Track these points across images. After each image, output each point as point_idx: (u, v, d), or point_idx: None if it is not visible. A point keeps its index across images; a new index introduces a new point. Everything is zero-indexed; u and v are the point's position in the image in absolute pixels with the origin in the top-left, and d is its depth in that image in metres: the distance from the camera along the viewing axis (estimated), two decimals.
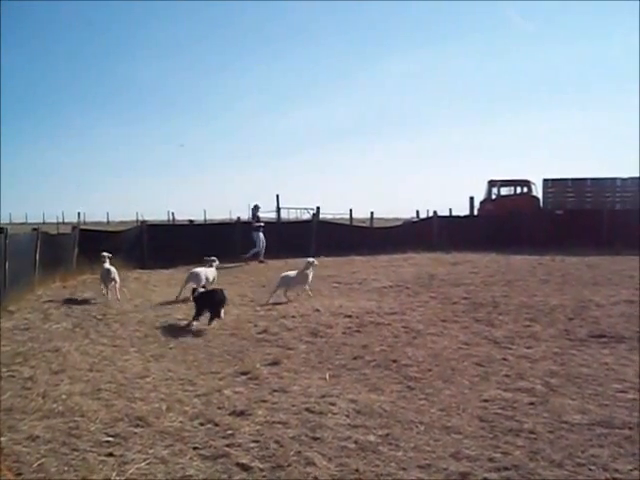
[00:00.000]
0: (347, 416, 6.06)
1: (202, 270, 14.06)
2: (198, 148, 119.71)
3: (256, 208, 23.63)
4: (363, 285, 15.63)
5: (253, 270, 19.84)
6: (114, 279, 13.89)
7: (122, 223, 45.90)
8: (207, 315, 10.49)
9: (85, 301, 13.40)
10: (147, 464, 4.97)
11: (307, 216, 40.80)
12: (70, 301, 13.34)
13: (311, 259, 14.28)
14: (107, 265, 14.26)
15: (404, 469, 4.84)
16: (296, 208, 50.94)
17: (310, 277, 13.75)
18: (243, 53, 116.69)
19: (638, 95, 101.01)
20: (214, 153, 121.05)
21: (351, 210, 35.73)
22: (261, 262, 22.44)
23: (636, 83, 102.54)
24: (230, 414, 6.13)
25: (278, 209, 37.80)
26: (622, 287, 14.23)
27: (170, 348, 9.13)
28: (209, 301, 10.68)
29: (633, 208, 28.08)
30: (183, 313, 11.70)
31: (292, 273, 13.64)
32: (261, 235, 22.94)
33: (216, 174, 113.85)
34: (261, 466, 4.91)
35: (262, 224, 23.32)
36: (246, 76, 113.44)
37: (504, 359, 8.25)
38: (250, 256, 22.50)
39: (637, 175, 29.34)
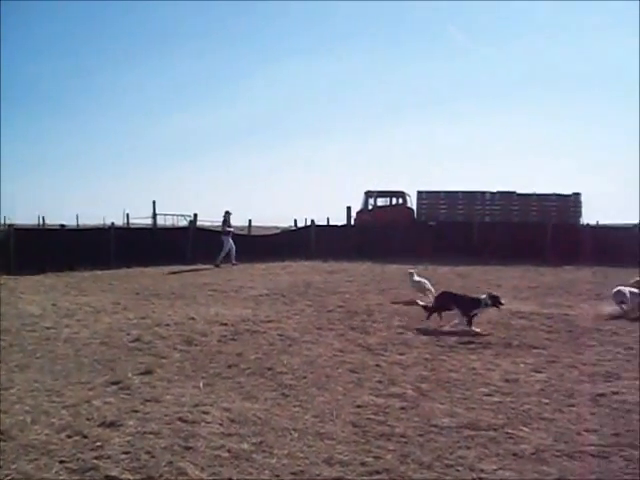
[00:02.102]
0: (221, 425, 6.00)
1: None
2: (71, 151, 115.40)
3: (227, 214, 24.22)
4: (239, 293, 15.58)
5: (127, 277, 19.34)
6: None
7: None
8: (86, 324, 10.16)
9: None
10: None
11: (184, 223, 40.28)
12: None
13: None
14: None
15: (277, 476, 4.83)
16: (173, 214, 50.25)
17: None
18: (116, 56, 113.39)
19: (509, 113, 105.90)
20: (88, 157, 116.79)
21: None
22: (234, 264, 23.31)
23: (503, 104, 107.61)
24: (99, 425, 5.93)
25: (154, 215, 37.09)
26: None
27: (37, 358, 8.73)
28: None
29: (501, 221, 29.52)
30: (52, 321, 11.27)
31: None
32: (230, 240, 23.74)
33: (90, 178, 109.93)
34: (131, 478, 4.77)
35: (232, 229, 24.33)
36: (121, 80, 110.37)
37: (377, 365, 8.41)
38: (220, 260, 23.24)
39: (506, 189, 30.84)
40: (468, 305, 10.92)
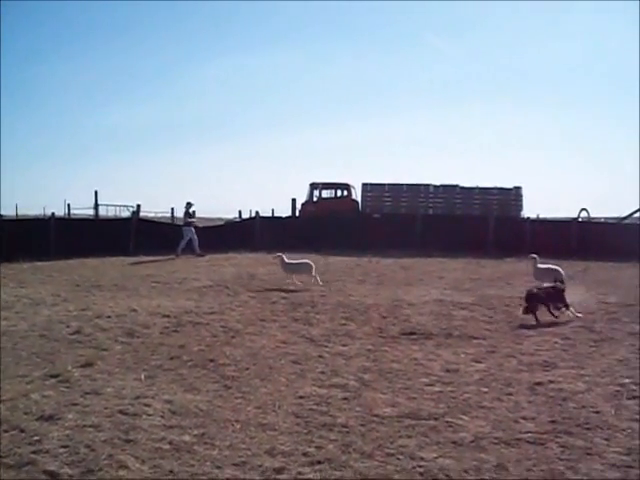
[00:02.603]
0: (162, 417, 5.96)
1: None
2: (10, 139, 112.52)
3: (189, 205, 24.34)
4: (182, 284, 15.45)
5: (67, 268, 18.97)
6: None
7: None
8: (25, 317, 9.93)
9: None
10: None
11: (127, 214, 39.74)
12: None
13: None
14: None
15: (219, 467, 4.83)
16: (115, 205, 49.55)
17: None
18: (59, 45, 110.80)
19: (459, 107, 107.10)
20: (28, 145, 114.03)
21: (173, 209, 35.27)
22: (200, 255, 23.24)
23: (444, 105, 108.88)
24: (38, 419, 5.83)
25: (96, 205, 36.45)
26: (432, 287, 15.08)
27: None
28: None
29: (444, 213, 29.89)
30: None
31: None
32: (193, 230, 23.92)
33: (30, 167, 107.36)
34: (70, 472, 4.72)
35: (194, 220, 24.54)
36: (62, 66, 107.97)
37: (320, 356, 8.47)
38: (180, 251, 23.20)
39: (448, 183, 31.23)
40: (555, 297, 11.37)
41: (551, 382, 7.25)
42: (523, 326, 10.57)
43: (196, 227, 24.50)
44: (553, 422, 5.92)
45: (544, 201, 78.41)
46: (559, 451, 5.24)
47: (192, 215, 24.54)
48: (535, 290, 11.59)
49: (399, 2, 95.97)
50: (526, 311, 11.13)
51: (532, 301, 11.19)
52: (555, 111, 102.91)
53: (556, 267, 14.98)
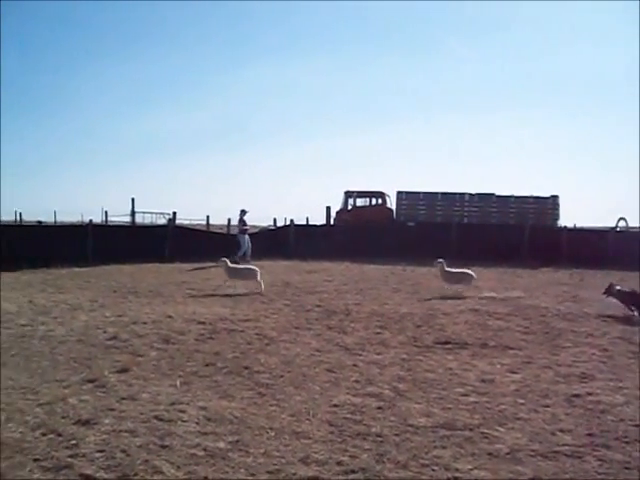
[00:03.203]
0: (197, 423, 5.99)
1: None
2: (49, 147, 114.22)
3: (243, 212, 24.55)
4: (217, 292, 15.53)
5: (104, 274, 19.20)
6: None
7: None
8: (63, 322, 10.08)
9: None
10: None
11: (163, 221, 40.12)
12: None
13: None
14: None
15: (253, 475, 4.84)
16: (152, 213, 50.02)
17: None
18: (97, 54, 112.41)
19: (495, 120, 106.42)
20: (66, 154, 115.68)
21: (208, 217, 35.54)
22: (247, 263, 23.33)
23: (480, 113, 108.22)
24: (75, 423, 5.90)
25: (133, 213, 36.87)
26: (467, 296, 14.95)
27: (12, 355, 8.65)
28: None
29: (480, 222, 29.69)
30: (28, 319, 11.18)
31: None
32: (246, 237, 24.23)
33: (68, 175, 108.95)
34: (106, 476, 4.76)
35: (247, 227, 24.86)
36: (99, 75, 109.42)
37: (354, 365, 8.44)
38: (239, 258, 23.15)
39: (484, 191, 31.03)
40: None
41: (589, 394, 7.14)
42: (560, 337, 10.43)
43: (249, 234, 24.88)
44: (591, 435, 5.82)
45: (581, 210, 77.40)
46: (597, 465, 5.15)
47: (245, 222, 24.82)
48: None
49: (427, 9, 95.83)
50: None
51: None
52: (594, 119, 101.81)
53: (466, 270, 16.08)
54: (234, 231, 30.03)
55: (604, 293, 13.42)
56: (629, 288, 13.55)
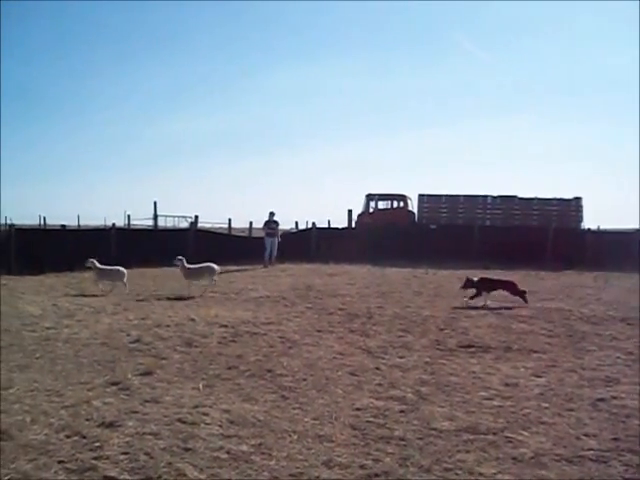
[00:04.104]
0: (220, 426, 5.99)
1: None
2: (72, 151, 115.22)
3: (271, 214, 24.94)
4: (240, 295, 15.58)
5: (128, 278, 19.29)
6: None
7: None
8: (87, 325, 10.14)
9: None
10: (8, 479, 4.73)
11: (185, 224, 40.33)
12: None
13: None
14: None
15: (276, 478, 4.83)
16: (174, 216, 50.27)
17: None
18: (117, 59, 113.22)
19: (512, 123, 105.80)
20: (89, 157, 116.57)
21: (230, 220, 35.65)
22: (264, 266, 23.84)
23: (502, 115, 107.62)
24: (99, 426, 5.92)
25: (155, 216, 37.14)
26: (489, 299, 14.86)
27: (37, 358, 8.72)
28: None
29: (502, 225, 29.55)
30: (52, 322, 11.27)
31: None
32: (270, 240, 24.63)
33: (91, 179, 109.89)
34: (130, 479, 4.77)
35: (272, 230, 24.98)
36: (122, 80, 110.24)
37: (377, 368, 8.41)
38: (267, 260, 23.97)
39: (506, 194, 30.87)
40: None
41: (614, 398, 7.05)
42: (584, 340, 10.34)
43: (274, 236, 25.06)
44: (616, 440, 5.75)
45: (605, 212, 76.65)
46: (622, 469, 5.08)
47: (270, 225, 25.05)
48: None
49: (452, 14, 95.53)
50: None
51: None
52: (618, 119, 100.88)
53: (209, 264, 16.54)
54: (255, 234, 30.17)
55: (462, 287, 14.89)
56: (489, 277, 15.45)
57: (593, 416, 6.46)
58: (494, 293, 14.58)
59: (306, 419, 6.28)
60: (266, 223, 24.92)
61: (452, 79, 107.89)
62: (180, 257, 16.33)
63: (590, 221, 31.78)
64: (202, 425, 6.00)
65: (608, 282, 19.41)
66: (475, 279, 14.84)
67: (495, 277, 15.69)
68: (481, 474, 4.93)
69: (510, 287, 14.98)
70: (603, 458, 5.29)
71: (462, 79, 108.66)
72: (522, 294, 14.65)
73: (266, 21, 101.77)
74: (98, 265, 16.24)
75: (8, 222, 37.49)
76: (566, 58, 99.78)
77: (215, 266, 16.37)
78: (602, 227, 33.63)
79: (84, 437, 5.61)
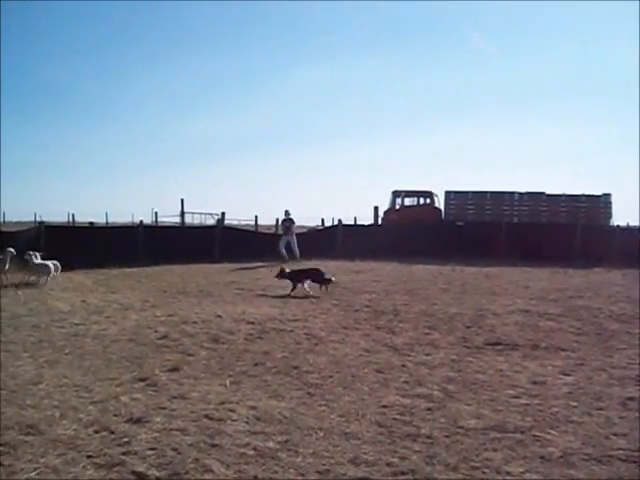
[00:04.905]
0: (247, 422, 6.01)
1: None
2: (101, 149, 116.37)
3: (287, 213, 25.46)
4: (266, 292, 15.61)
5: (155, 275, 19.48)
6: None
7: (18, 224, 43.98)
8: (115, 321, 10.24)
9: None
10: (37, 474, 4.77)
11: (212, 221, 40.50)
12: None
13: None
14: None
15: (302, 475, 4.83)
16: (201, 213, 50.59)
17: None
18: (146, 57, 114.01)
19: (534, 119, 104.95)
20: (117, 155, 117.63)
21: (256, 217, 35.76)
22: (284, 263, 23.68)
23: (528, 109, 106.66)
24: (127, 421, 5.98)
25: (182, 213, 37.33)
26: (517, 297, 14.76)
27: (66, 354, 8.82)
28: None
29: (529, 221, 29.29)
30: (81, 318, 11.39)
31: None
32: (285, 237, 25.13)
33: (119, 176, 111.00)
34: (157, 474, 4.80)
35: (287, 227, 25.42)
36: (148, 80, 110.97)
37: (403, 366, 8.39)
38: (290, 256, 24.27)
39: (534, 190, 30.59)
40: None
41: None
42: (613, 338, 10.22)
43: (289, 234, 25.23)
44: None
45: (635, 208, 75.68)
46: None
47: (285, 223, 25.36)
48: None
49: (484, 14, 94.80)
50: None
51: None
52: None
53: (51, 262, 16.62)
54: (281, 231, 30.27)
55: (276, 277, 15.98)
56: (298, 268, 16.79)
57: (622, 415, 6.38)
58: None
59: (332, 416, 6.27)
60: (282, 222, 25.11)
61: (480, 78, 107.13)
62: (31, 252, 16.39)
63: (620, 218, 31.40)
64: (229, 421, 6.03)
65: (637, 280, 19.16)
66: (287, 270, 16.03)
67: (303, 267, 17.41)
68: (508, 473, 4.90)
69: (315, 276, 15.78)
70: (633, 458, 5.22)
71: (490, 77, 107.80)
72: (327, 282, 15.65)
73: (295, 20, 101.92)
74: (35, 260, 16.39)
75: (38, 219, 38.03)
76: (593, 51, 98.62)
77: (51, 264, 16.50)
78: (631, 224, 33.27)
79: (112, 432, 5.67)
